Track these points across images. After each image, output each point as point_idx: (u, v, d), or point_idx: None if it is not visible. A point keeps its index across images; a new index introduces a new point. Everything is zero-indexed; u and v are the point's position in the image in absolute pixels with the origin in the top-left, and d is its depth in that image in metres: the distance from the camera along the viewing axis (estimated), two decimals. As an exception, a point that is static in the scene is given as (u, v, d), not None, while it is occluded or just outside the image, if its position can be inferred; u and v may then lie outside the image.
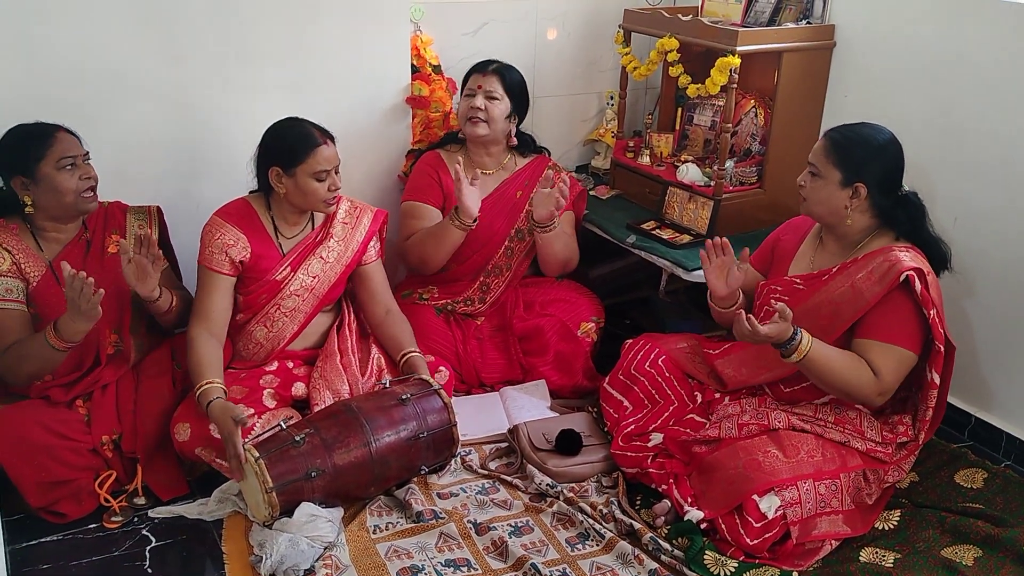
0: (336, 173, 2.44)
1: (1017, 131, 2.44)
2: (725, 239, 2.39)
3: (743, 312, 2.15)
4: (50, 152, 2.25)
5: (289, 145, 2.39)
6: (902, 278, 2.15)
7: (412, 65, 2.99)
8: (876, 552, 2.15)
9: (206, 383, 2.27)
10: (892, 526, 2.25)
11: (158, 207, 2.53)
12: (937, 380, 2.22)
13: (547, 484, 2.38)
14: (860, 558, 2.13)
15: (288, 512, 2.14)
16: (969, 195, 2.58)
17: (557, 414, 2.69)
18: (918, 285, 2.15)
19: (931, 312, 2.16)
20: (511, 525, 2.26)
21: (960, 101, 2.57)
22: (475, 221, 2.72)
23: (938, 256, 2.28)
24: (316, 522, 2.13)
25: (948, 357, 2.23)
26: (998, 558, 2.08)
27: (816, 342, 2.18)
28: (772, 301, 2.33)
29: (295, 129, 2.41)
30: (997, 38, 2.45)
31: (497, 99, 2.82)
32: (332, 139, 2.45)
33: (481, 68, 2.86)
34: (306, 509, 2.14)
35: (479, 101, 2.81)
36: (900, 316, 2.19)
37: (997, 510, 2.25)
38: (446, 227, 2.73)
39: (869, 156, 2.22)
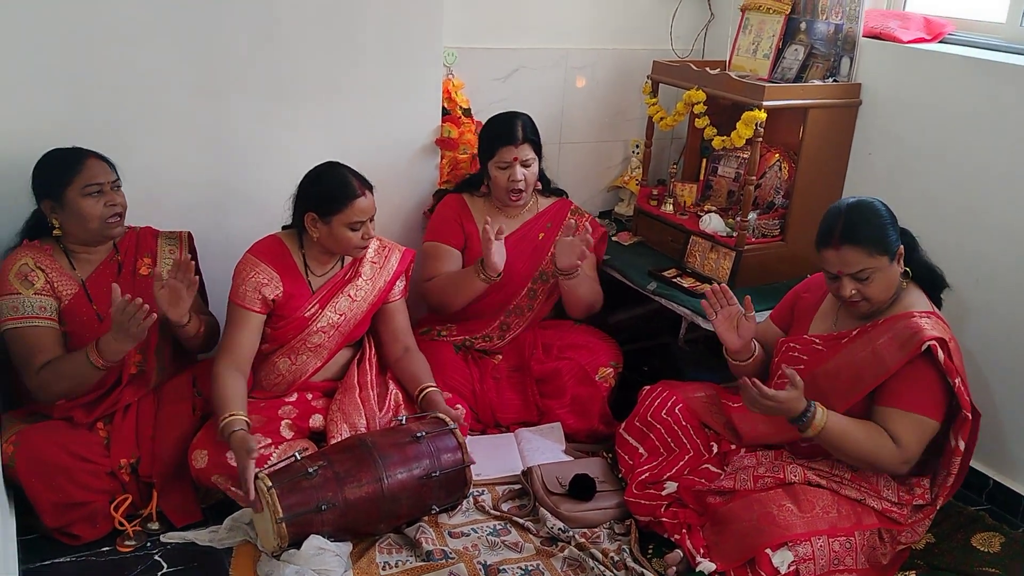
0: (371, 222, 2.48)
1: (1041, 195, 2.45)
2: (724, 285, 2.40)
3: (748, 379, 2.14)
4: (77, 178, 2.31)
5: (328, 194, 2.43)
6: (924, 347, 2.14)
7: (443, 108, 3.05)
8: (890, 613, 2.12)
9: (230, 415, 2.28)
10: (907, 587, 2.22)
11: (189, 233, 2.58)
12: (962, 447, 2.20)
13: (559, 528, 2.37)
14: (873, 618, 2.11)
15: (297, 544, 2.15)
16: (991, 258, 2.58)
17: (572, 458, 2.69)
18: (941, 355, 2.13)
19: (955, 380, 2.14)
20: (521, 568, 2.25)
21: (984, 161, 2.58)
22: (499, 276, 2.75)
23: (935, 279, 2.30)
24: (324, 556, 2.13)
25: (974, 424, 2.21)
26: (1014, 624, 2.05)
27: (833, 415, 2.16)
28: (789, 361, 2.33)
29: (335, 178, 2.44)
30: (1018, 101, 2.46)
31: (531, 164, 2.85)
32: (371, 189, 2.48)
33: (510, 139, 2.80)
34: (314, 542, 2.15)
35: (519, 173, 2.82)
36: (923, 385, 2.17)
37: (1014, 575, 2.22)
38: (471, 277, 2.76)
39: (887, 226, 2.21)
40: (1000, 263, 2.57)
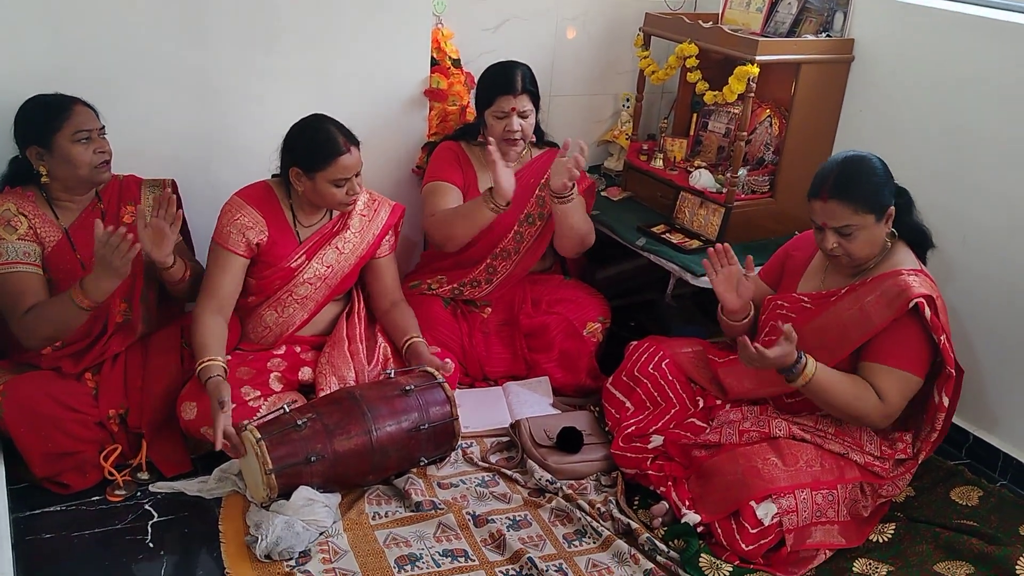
0: (357, 177, 2.45)
1: (1030, 154, 2.46)
2: (727, 245, 2.40)
3: (747, 339, 2.16)
4: (66, 124, 2.27)
5: (312, 149, 2.40)
6: (911, 304, 2.16)
7: (432, 58, 3.01)
8: (869, 564, 2.17)
9: (208, 360, 2.29)
10: (886, 539, 2.27)
11: (173, 180, 2.54)
12: (946, 403, 2.24)
13: (547, 480, 2.40)
14: (853, 569, 2.16)
15: (286, 495, 2.16)
16: (979, 216, 2.59)
17: (559, 411, 2.71)
18: (928, 312, 2.15)
19: (941, 338, 2.17)
20: (509, 518, 2.28)
21: (975, 121, 2.58)
22: (508, 204, 2.70)
23: (923, 240, 2.30)
24: (313, 506, 2.15)
25: (957, 380, 2.24)
26: (989, 575, 2.10)
27: (821, 367, 2.19)
28: (778, 318, 2.35)
29: (320, 134, 2.40)
30: (1014, 59, 2.46)
31: (529, 115, 2.81)
32: (356, 144, 2.45)
33: (509, 88, 2.76)
34: (304, 493, 2.17)
35: (515, 124, 2.78)
36: (908, 342, 2.20)
37: (991, 528, 2.27)
38: (480, 207, 2.70)
39: (880, 184, 2.20)
40: (987, 222, 2.58)
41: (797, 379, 2.18)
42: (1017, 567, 2.09)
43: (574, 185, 2.72)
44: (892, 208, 2.22)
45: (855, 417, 2.24)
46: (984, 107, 2.55)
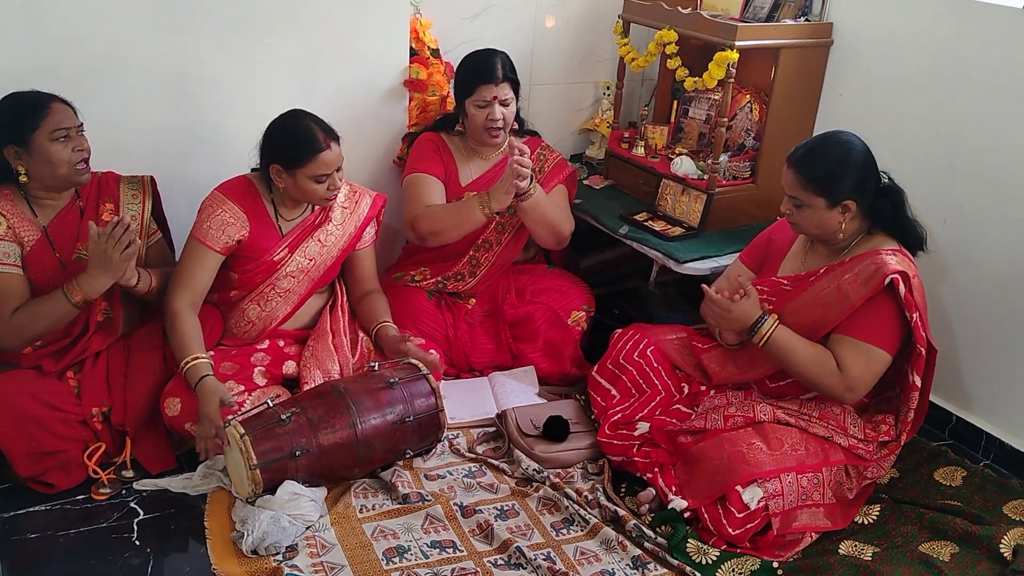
0: (338, 172, 2.44)
1: (1011, 136, 2.47)
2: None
3: (705, 287, 2.28)
4: (44, 122, 2.24)
5: (292, 146, 2.38)
6: (887, 281, 2.18)
7: (411, 48, 2.99)
8: (855, 545, 2.18)
9: (193, 359, 2.29)
10: (871, 520, 2.29)
11: (152, 177, 2.52)
12: (918, 382, 2.25)
13: (534, 469, 2.40)
14: (839, 551, 2.17)
15: (271, 490, 2.15)
16: (959, 198, 2.61)
17: (545, 400, 2.71)
18: (902, 288, 2.17)
19: (913, 315, 2.19)
20: (497, 508, 2.28)
21: (954, 104, 2.59)
22: (500, 215, 2.71)
23: (916, 238, 2.32)
24: (299, 501, 2.15)
25: (930, 360, 2.25)
26: (974, 555, 2.13)
27: (783, 329, 2.26)
28: (760, 301, 2.36)
29: (300, 131, 2.39)
30: (993, 42, 2.47)
31: (510, 103, 2.79)
32: (337, 139, 2.43)
33: (490, 77, 2.73)
34: (289, 487, 2.16)
35: (497, 112, 2.75)
36: (879, 317, 2.22)
37: (975, 508, 2.29)
38: (473, 209, 2.68)
39: (842, 173, 2.21)
40: (968, 204, 2.59)
41: (755, 336, 2.26)
42: (1001, 545, 2.12)
43: (531, 180, 2.69)
44: (852, 202, 2.22)
45: (816, 384, 2.26)
46: (962, 90, 2.57)
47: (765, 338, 2.26)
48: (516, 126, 2.93)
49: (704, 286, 2.34)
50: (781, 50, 2.83)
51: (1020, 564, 2.05)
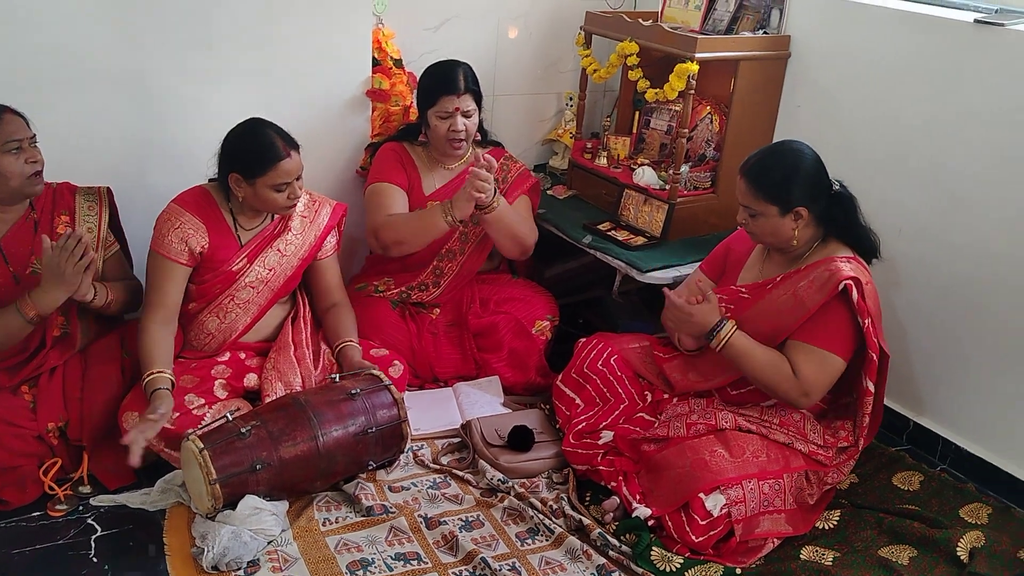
0: (298, 180, 2.42)
1: (960, 144, 2.52)
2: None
3: (666, 290, 2.33)
4: None
5: (251, 155, 2.36)
6: (840, 287, 2.21)
7: (373, 58, 2.99)
8: (816, 551, 2.21)
9: (156, 371, 2.26)
10: (832, 526, 2.31)
11: (108, 188, 2.48)
12: (872, 388, 2.29)
13: (498, 479, 2.40)
14: (801, 556, 2.19)
15: (232, 504, 2.12)
16: (914, 206, 2.66)
17: (510, 410, 2.71)
18: (855, 294, 2.21)
19: (866, 321, 2.23)
20: (462, 519, 2.27)
21: (906, 114, 2.65)
22: (464, 224, 2.71)
23: (869, 246, 2.35)
24: (260, 515, 2.12)
25: (883, 366, 2.29)
26: (932, 558, 2.16)
27: (741, 334, 2.29)
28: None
29: (259, 139, 2.37)
30: (945, 55, 2.53)
31: (472, 114, 2.80)
32: (296, 148, 2.41)
33: (452, 88, 2.73)
34: (250, 502, 2.13)
35: (460, 124, 2.76)
36: (833, 323, 2.26)
37: (932, 512, 2.33)
38: (436, 218, 2.68)
39: (793, 181, 2.26)
40: (922, 213, 2.64)
41: (713, 341, 2.30)
42: (958, 549, 2.15)
43: (495, 193, 2.70)
44: (804, 209, 2.26)
45: (772, 388, 2.29)
46: (915, 99, 2.62)
47: (723, 342, 2.29)
48: (479, 137, 2.94)
49: (665, 289, 2.38)
50: (740, 62, 2.87)
51: (977, 567, 2.09)
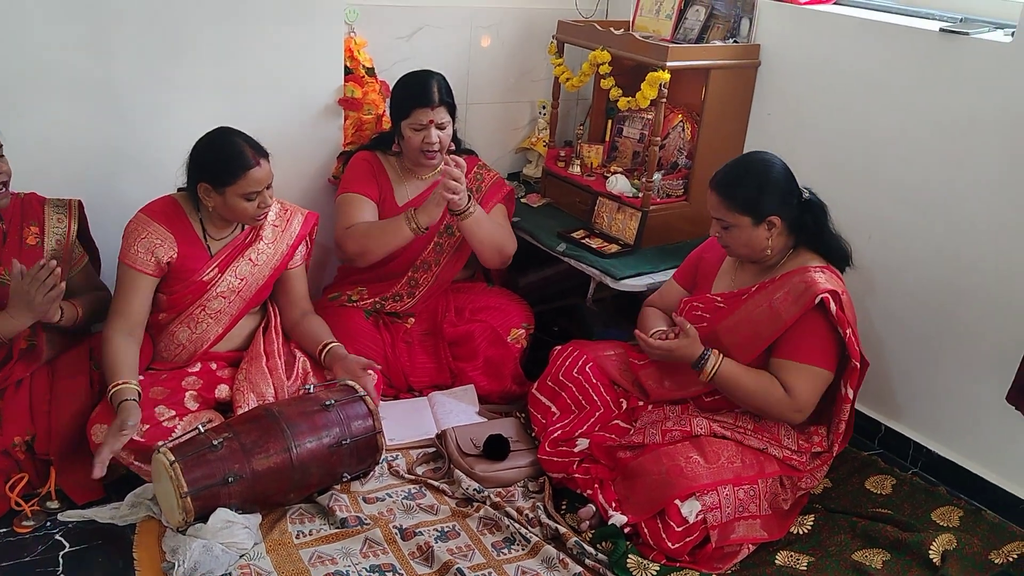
0: (268, 189, 2.41)
1: (929, 152, 2.55)
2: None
3: (638, 333, 2.34)
4: None
5: (220, 164, 2.34)
6: (817, 300, 2.23)
7: (345, 67, 2.97)
8: (791, 556, 2.22)
9: (122, 383, 2.23)
10: (806, 531, 2.32)
11: (79, 200, 2.46)
12: (851, 395, 2.31)
13: (474, 489, 2.39)
14: (776, 561, 2.20)
15: (203, 518, 2.09)
16: (884, 213, 2.69)
17: (485, 419, 2.70)
18: (833, 307, 2.22)
19: (847, 332, 2.24)
20: (437, 530, 2.26)
21: (875, 122, 2.67)
22: (427, 230, 2.71)
23: (840, 254, 2.37)
24: (232, 528, 2.09)
25: (860, 372, 2.31)
26: (905, 561, 2.17)
27: (728, 362, 2.30)
28: (693, 319, 2.40)
29: (227, 148, 2.35)
30: (912, 63, 2.56)
31: (446, 126, 2.79)
32: (266, 156, 2.39)
33: (426, 101, 2.72)
34: (222, 515, 2.10)
35: (433, 136, 2.75)
36: (815, 337, 2.27)
37: (904, 515, 2.35)
38: (400, 226, 2.68)
39: (762, 190, 2.27)
40: (892, 220, 2.67)
41: (704, 374, 2.30)
42: (930, 552, 2.17)
43: (469, 198, 2.71)
44: (776, 218, 2.28)
45: (765, 411, 2.31)
46: (883, 107, 2.65)
47: (711, 374, 2.30)
48: (453, 146, 2.93)
49: (638, 332, 2.40)
50: (711, 71, 2.89)
51: (949, 569, 2.11)
